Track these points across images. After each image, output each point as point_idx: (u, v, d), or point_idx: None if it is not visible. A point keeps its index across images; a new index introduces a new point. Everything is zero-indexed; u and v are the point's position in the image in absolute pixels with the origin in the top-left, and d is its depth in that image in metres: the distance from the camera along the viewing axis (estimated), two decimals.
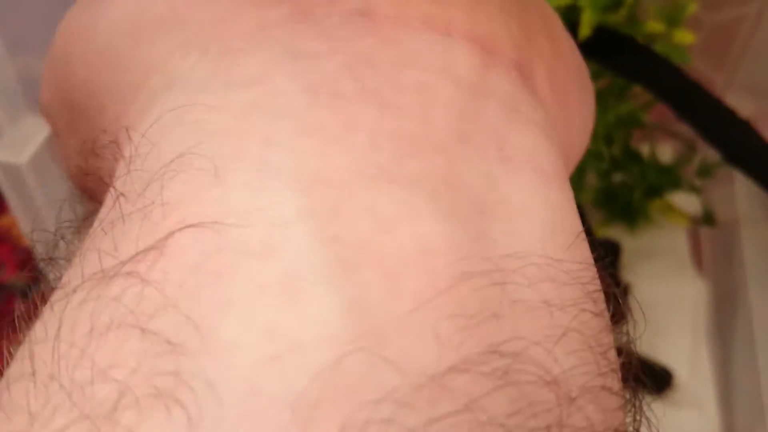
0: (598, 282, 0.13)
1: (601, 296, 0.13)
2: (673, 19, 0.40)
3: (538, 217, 0.13)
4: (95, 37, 0.15)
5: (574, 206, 0.14)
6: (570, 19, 0.35)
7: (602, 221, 0.50)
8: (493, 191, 0.13)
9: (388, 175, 0.12)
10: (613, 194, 0.49)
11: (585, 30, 0.33)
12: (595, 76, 0.42)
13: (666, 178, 0.46)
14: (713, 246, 0.50)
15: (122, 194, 0.12)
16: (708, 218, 0.47)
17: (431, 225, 0.11)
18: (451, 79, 0.13)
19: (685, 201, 0.49)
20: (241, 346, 0.10)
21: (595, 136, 0.44)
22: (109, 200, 0.12)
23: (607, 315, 0.13)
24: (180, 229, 0.11)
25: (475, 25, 0.14)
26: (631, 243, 0.48)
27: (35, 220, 0.36)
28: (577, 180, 0.44)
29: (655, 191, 0.47)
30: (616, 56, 0.35)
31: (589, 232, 0.43)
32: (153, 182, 0.12)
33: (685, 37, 0.42)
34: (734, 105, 0.56)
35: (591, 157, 0.45)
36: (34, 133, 0.35)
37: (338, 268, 0.10)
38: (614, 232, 0.49)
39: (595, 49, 0.35)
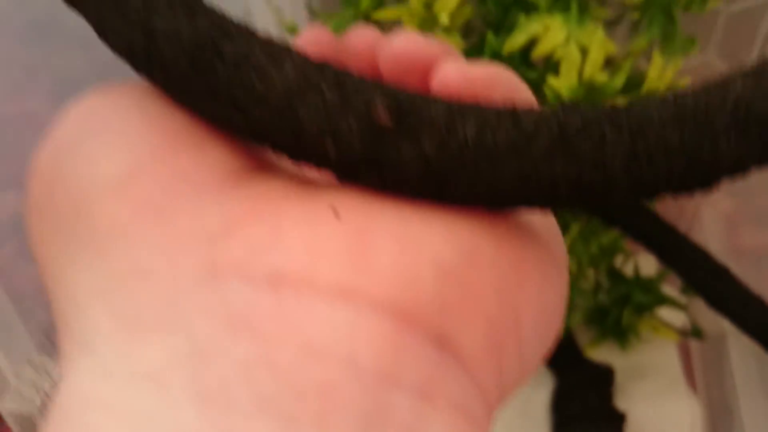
0: None
1: None
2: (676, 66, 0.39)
3: None
4: (48, 208, 0.15)
5: None
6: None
7: (593, 340, 0.50)
8: None
9: None
10: (602, 313, 0.50)
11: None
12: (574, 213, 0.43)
13: (651, 296, 0.47)
14: (703, 357, 0.51)
15: None
16: (696, 332, 0.48)
17: None
18: (357, 372, 0.12)
19: (673, 314, 0.50)
20: None
21: (580, 265, 0.45)
22: None
23: None
24: None
25: (393, 290, 0.13)
26: (623, 360, 0.49)
27: None
28: (567, 306, 0.45)
29: (642, 309, 0.48)
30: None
31: (578, 358, 0.44)
32: None
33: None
34: (711, 208, 0.57)
35: (577, 281, 0.46)
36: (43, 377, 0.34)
37: None
38: (606, 350, 0.50)
39: None
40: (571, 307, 0.46)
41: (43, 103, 0.36)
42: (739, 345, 0.48)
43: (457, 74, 0.16)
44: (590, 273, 0.48)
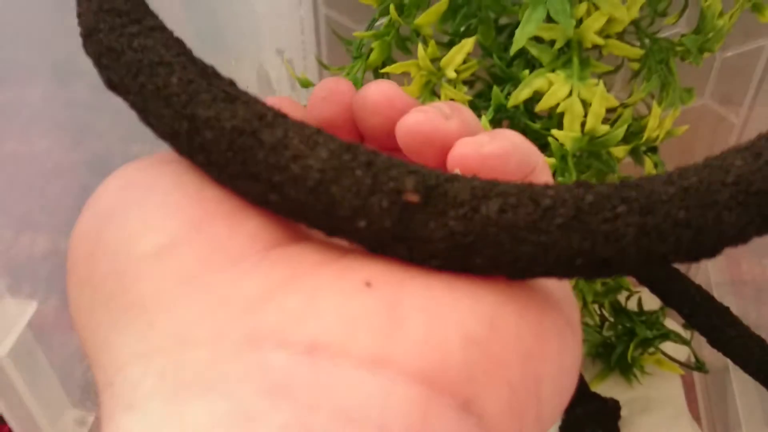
0: None
1: None
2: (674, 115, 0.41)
3: None
4: (93, 275, 0.16)
5: None
6: None
7: (599, 374, 0.51)
8: None
9: None
10: (607, 348, 0.51)
11: None
12: None
13: (655, 331, 0.48)
14: (707, 390, 0.52)
15: None
16: (699, 365, 0.49)
17: None
18: None
19: (676, 347, 0.51)
20: None
21: (585, 302, 0.47)
22: None
23: None
24: None
25: (423, 360, 0.14)
26: (628, 394, 0.50)
27: (18, 412, 0.34)
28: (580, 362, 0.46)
29: (647, 343, 0.49)
30: None
31: (584, 391, 0.45)
32: None
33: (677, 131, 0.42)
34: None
35: (582, 317, 0.47)
36: (14, 319, 0.33)
37: None
38: (611, 383, 0.51)
39: None
40: None
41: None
42: (741, 377, 0.49)
43: (474, 153, 0.17)
44: (594, 309, 0.50)
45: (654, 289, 0.37)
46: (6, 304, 0.33)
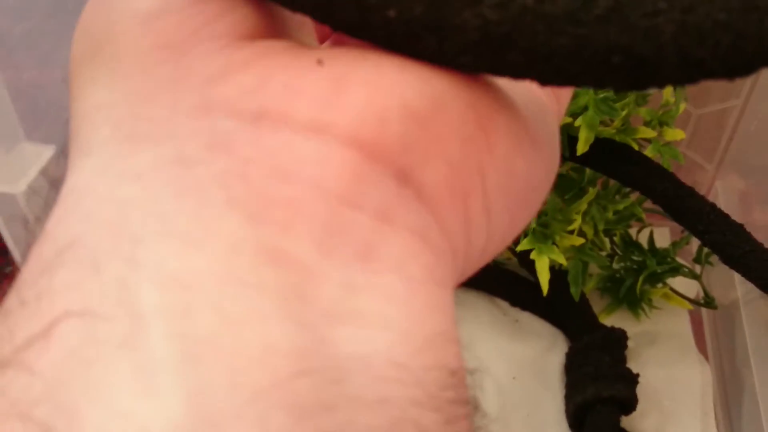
0: (443, 381, 0.14)
1: (447, 394, 0.14)
2: (664, 121, 0.43)
3: (392, 325, 0.14)
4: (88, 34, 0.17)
5: (445, 308, 0.15)
6: (569, 133, 0.37)
7: (607, 307, 0.51)
8: (348, 301, 0.14)
9: (242, 281, 0.13)
10: (616, 281, 0.51)
11: (582, 147, 0.36)
12: (592, 177, 0.44)
13: (665, 265, 0.48)
14: (715, 327, 0.52)
15: (23, 280, 0.14)
16: (709, 302, 0.49)
17: (276, 328, 0.13)
18: (322, 193, 0.14)
19: (686, 283, 0.51)
20: (104, 430, 0.12)
21: (596, 231, 0.46)
22: (13, 286, 0.14)
23: (454, 409, 0.14)
24: (62, 319, 0.13)
25: (361, 127, 0.15)
26: (635, 327, 0.50)
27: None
28: (581, 271, 0.46)
29: (656, 278, 0.49)
30: (613, 165, 0.37)
31: (592, 323, 0.45)
32: (46, 269, 0.14)
33: (675, 134, 0.44)
34: (725, 185, 0.58)
35: (592, 249, 0.47)
36: (31, 161, 0.34)
37: (184, 361, 0.12)
38: (619, 317, 0.51)
39: (593, 159, 0.37)
40: (586, 274, 0.47)
41: None
42: (750, 315, 0.49)
43: None
44: (606, 241, 0.49)
45: (667, 207, 0.36)
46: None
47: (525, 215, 0.19)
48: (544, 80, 0.15)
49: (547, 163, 0.19)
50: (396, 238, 0.15)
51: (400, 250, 0.15)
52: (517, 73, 0.15)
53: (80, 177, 0.15)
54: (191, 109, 0.15)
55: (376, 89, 0.15)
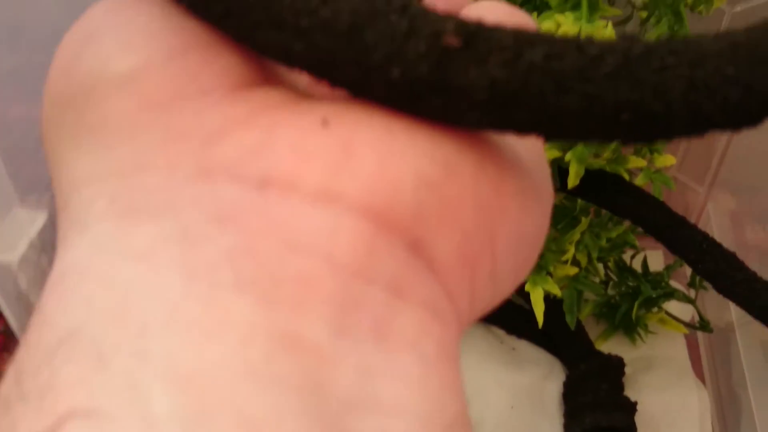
0: None
1: None
2: (654, 148, 0.43)
3: (410, 410, 0.13)
4: (67, 88, 0.16)
5: (458, 387, 0.15)
6: (560, 165, 0.38)
7: (603, 333, 0.51)
8: (365, 387, 0.13)
9: (257, 374, 0.12)
10: (611, 307, 0.51)
11: (573, 181, 0.36)
12: (584, 206, 0.44)
13: (660, 290, 0.48)
14: (711, 350, 0.52)
15: (23, 369, 0.13)
16: (704, 325, 0.49)
17: (295, 425, 0.12)
18: (334, 267, 0.13)
19: (681, 306, 0.51)
20: None
21: (590, 258, 0.47)
22: (11, 371, 0.13)
23: None
24: (67, 419, 0.12)
25: (373, 197, 0.14)
26: (632, 352, 0.50)
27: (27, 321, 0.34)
28: (576, 299, 0.46)
29: (651, 303, 0.49)
30: (605, 197, 0.38)
31: (588, 349, 0.45)
32: (47, 360, 0.13)
33: (666, 160, 0.44)
34: (717, 206, 0.58)
35: (586, 276, 0.47)
36: (26, 227, 0.33)
37: None
38: (615, 343, 0.51)
39: (584, 191, 0.37)
40: (581, 301, 0.47)
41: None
42: (747, 338, 0.49)
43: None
44: (600, 268, 0.50)
45: (660, 237, 0.37)
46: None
47: (528, 269, 0.18)
48: (551, 136, 0.15)
49: (546, 210, 0.18)
50: (408, 312, 0.14)
51: (413, 326, 0.14)
52: (523, 130, 0.15)
53: (76, 255, 0.14)
54: (189, 174, 0.14)
55: (386, 155, 0.14)
